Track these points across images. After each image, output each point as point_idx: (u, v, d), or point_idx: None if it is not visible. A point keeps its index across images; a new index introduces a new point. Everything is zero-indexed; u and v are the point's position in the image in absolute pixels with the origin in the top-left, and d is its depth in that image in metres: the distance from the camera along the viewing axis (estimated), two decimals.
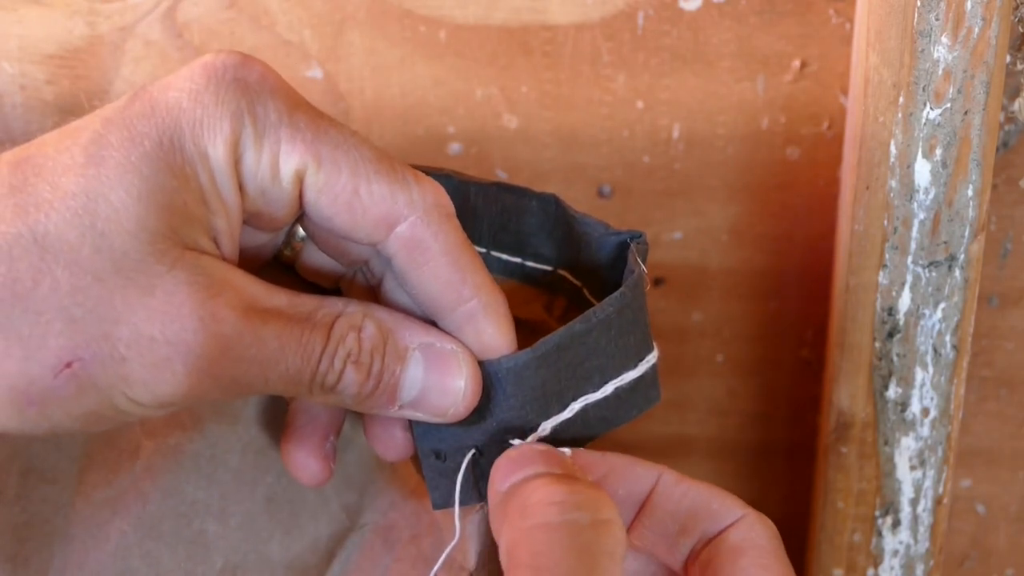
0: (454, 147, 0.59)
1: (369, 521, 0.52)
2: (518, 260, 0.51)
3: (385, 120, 0.58)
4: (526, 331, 0.49)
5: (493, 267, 0.50)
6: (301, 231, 0.47)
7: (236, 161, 0.42)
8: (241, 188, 0.43)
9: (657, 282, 0.61)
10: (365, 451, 0.51)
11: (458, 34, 0.57)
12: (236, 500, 0.50)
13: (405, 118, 0.58)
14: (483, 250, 0.50)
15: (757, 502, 0.66)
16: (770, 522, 0.44)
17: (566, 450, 0.45)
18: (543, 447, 0.45)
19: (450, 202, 0.45)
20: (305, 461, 0.48)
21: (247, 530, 0.50)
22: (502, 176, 0.59)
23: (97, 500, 0.49)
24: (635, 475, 0.45)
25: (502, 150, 0.59)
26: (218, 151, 0.42)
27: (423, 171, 0.48)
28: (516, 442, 0.46)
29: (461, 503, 0.47)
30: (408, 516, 0.52)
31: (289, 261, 0.48)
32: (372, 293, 0.48)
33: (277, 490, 0.50)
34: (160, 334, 0.40)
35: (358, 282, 0.48)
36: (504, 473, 0.44)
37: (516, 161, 0.59)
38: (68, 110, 0.58)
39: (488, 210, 0.50)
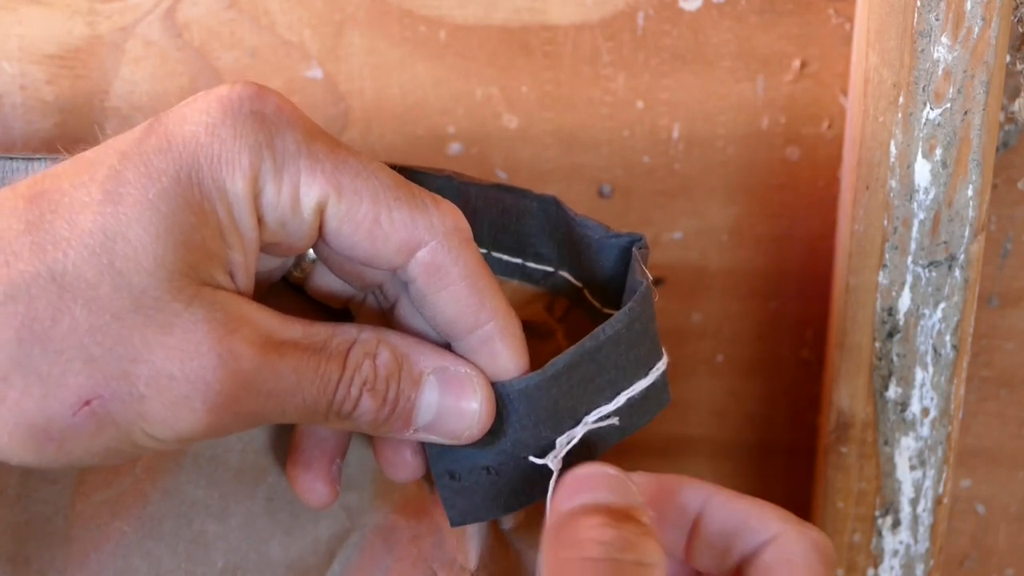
0: (454, 147, 0.59)
1: (370, 522, 0.52)
2: (519, 261, 0.51)
3: (385, 120, 0.58)
4: (527, 332, 0.49)
5: (494, 268, 0.50)
6: (311, 253, 0.47)
7: (256, 195, 0.42)
8: (260, 221, 0.42)
9: (657, 282, 0.61)
10: (366, 452, 0.51)
11: (458, 34, 0.57)
12: (236, 500, 0.50)
13: (405, 118, 0.58)
14: (484, 251, 0.50)
15: None
16: (813, 535, 0.44)
17: (635, 475, 0.45)
18: (612, 471, 0.45)
19: (467, 225, 0.45)
20: (312, 484, 0.48)
21: (247, 530, 0.50)
22: (502, 176, 0.59)
23: (97, 500, 0.49)
24: (685, 495, 0.45)
25: (502, 150, 0.59)
26: (237, 186, 0.41)
27: (424, 172, 0.49)
28: (533, 460, 0.46)
29: (478, 519, 0.47)
30: (409, 517, 0.52)
31: (298, 282, 0.48)
32: (383, 315, 0.48)
33: (277, 490, 0.50)
34: (179, 372, 0.40)
35: (369, 304, 0.48)
36: (568, 493, 0.44)
37: (516, 161, 0.59)
38: (68, 110, 0.58)
39: (489, 211, 0.50)
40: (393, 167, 0.46)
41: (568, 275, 0.50)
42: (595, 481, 0.44)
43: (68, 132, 0.58)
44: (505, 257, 0.50)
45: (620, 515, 0.43)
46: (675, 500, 0.45)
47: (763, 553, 0.44)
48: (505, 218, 0.50)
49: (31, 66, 0.57)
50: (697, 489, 0.46)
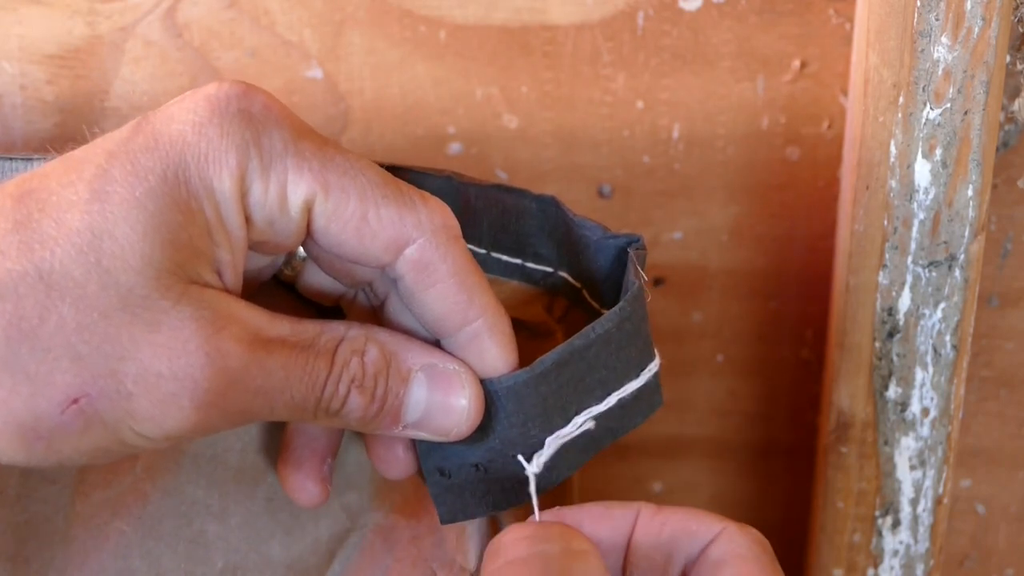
0: (454, 147, 0.59)
1: (370, 521, 0.52)
2: (518, 261, 0.51)
3: (385, 120, 0.58)
4: (526, 332, 0.49)
5: (493, 268, 0.50)
6: (302, 251, 0.47)
7: (243, 194, 0.42)
8: (248, 219, 0.42)
9: (657, 282, 0.61)
10: (365, 452, 0.51)
11: (458, 34, 0.57)
12: (236, 500, 0.50)
13: (405, 118, 0.58)
14: (483, 251, 0.50)
15: (757, 502, 0.66)
16: (752, 531, 0.44)
17: (562, 510, 0.46)
18: (519, 524, 0.45)
19: (456, 222, 0.45)
20: (303, 483, 0.48)
21: (247, 530, 0.50)
22: (502, 176, 0.59)
23: (97, 500, 0.49)
24: (613, 517, 0.46)
25: (502, 150, 0.59)
26: (224, 184, 0.41)
27: (423, 172, 0.49)
28: (521, 459, 0.46)
29: (468, 516, 0.47)
30: (408, 517, 0.52)
31: (289, 280, 0.48)
32: (373, 312, 0.48)
33: (277, 490, 0.50)
34: (167, 370, 0.40)
35: (359, 301, 0.48)
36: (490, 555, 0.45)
37: (516, 161, 0.59)
38: (68, 110, 0.58)
39: (488, 211, 0.50)
40: (392, 167, 0.46)
41: (567, 275, 0.50)
42: (510, 530, 0.45)
43: (68, 132, 0.58)
44: (504, 257, 0.50)
45: (533, 521, 0.44)
46: (603, 524, 0.45)
47: (709, 552, 0.44)
48: (505, 218, 0.50)
49: (31, 66, 0.57)
50: (625, 508, 0.46)
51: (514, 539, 0.43)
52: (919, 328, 0.55)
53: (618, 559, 0.45)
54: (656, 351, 0.48)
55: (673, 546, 0.44)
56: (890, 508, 0.58)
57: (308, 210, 0.43)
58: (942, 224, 0.53)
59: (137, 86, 0.57)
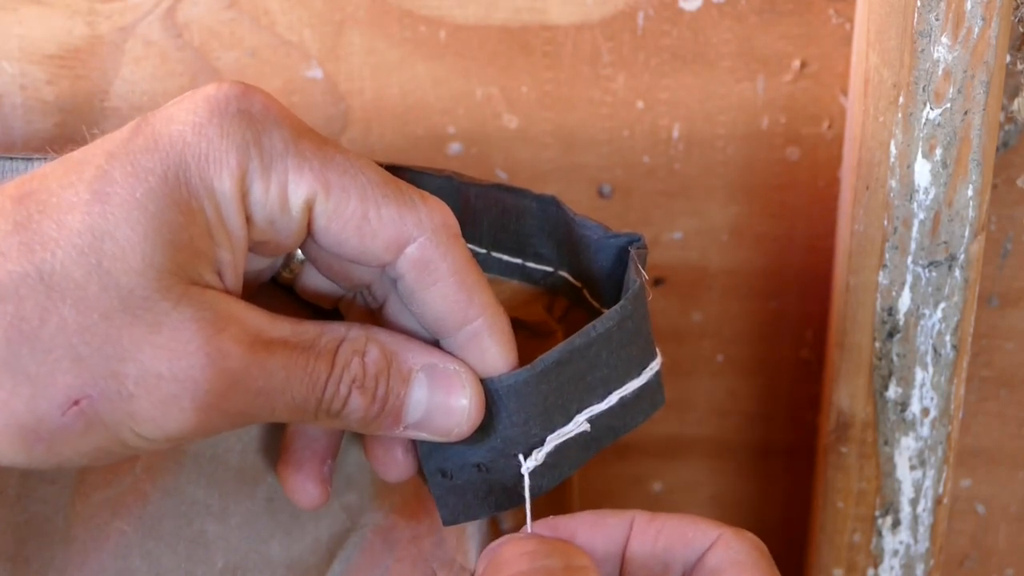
0: (454, 147, 0.59)
1: (370, 521, 0.52)
2: (518, 261, 0.51)
3: (385, 120, 0.58)
4: (527, 332, 0.49)
5: (493, 268, 0.50)
6: (300, 253, 0.47)
7: (244, 194, 0.42)
8: (249, 220, 0.42)
9: (657, 282, 0.61)
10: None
11: (458, 34, 0.57)
12: (237, 500, 0.50)
13: (405, 118, 0.58)
14: (483, 251, 0.50)
15: (757, 502, 0.66)
16: (749, 536, 0.44)
17: (557, 519, 0.46)
18: (511, 535, 0.46)
19: (456, 222, 0.45)
20: (303, 485, 0.48)
21: (248, 530, 0.50)
22: (502, 176, 0.59)
23: (97, 500, 0.49)
24: (607, 526, 0.45)
25: (502, 150, 0.59)
26: (225, 185, 0.41)
27: (423, 172, 0.49)
28: (522, 458, 0.46)
29: (471, 517, 0.47)
30: (409, 517, 0.52)
31: (287, 283, 0.48)
32: (372, 314, 0.48)
33: (277, 490, 0.50)
34: (167, 371, 0.40)
35: (358, 303, 0.48)
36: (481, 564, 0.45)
37: (516, 161, 0.59)
38: (68, 110, 0.58)
39: (489, 211, 0.50)
40: (393, 167, 0.46)
41: (568, 275, 0.50)
42: (511, 544, 0.45)
43: (68, 132, 0.58)
44: (505, 257, 0.50)
45: (532, 535, 0.44)
46: (597, 533, 0.45)
47: (706, 560, 0.44)
48: (505, 218, 0.50)
49: (31, 66, 0.57)
50: (619, 516, 0.45)
51: (516, 553, 0.43)
52: (919, 328, 0.55)
53: (614, 570, 0.45)
54: (658, 349, 0.48)
55: (670, 555, 0.44)
56: (890, 508, 0.58)
57: (309, 209, 0.43)
58: (942, 224, 0.53)
59: (137, 86, 0.57)
